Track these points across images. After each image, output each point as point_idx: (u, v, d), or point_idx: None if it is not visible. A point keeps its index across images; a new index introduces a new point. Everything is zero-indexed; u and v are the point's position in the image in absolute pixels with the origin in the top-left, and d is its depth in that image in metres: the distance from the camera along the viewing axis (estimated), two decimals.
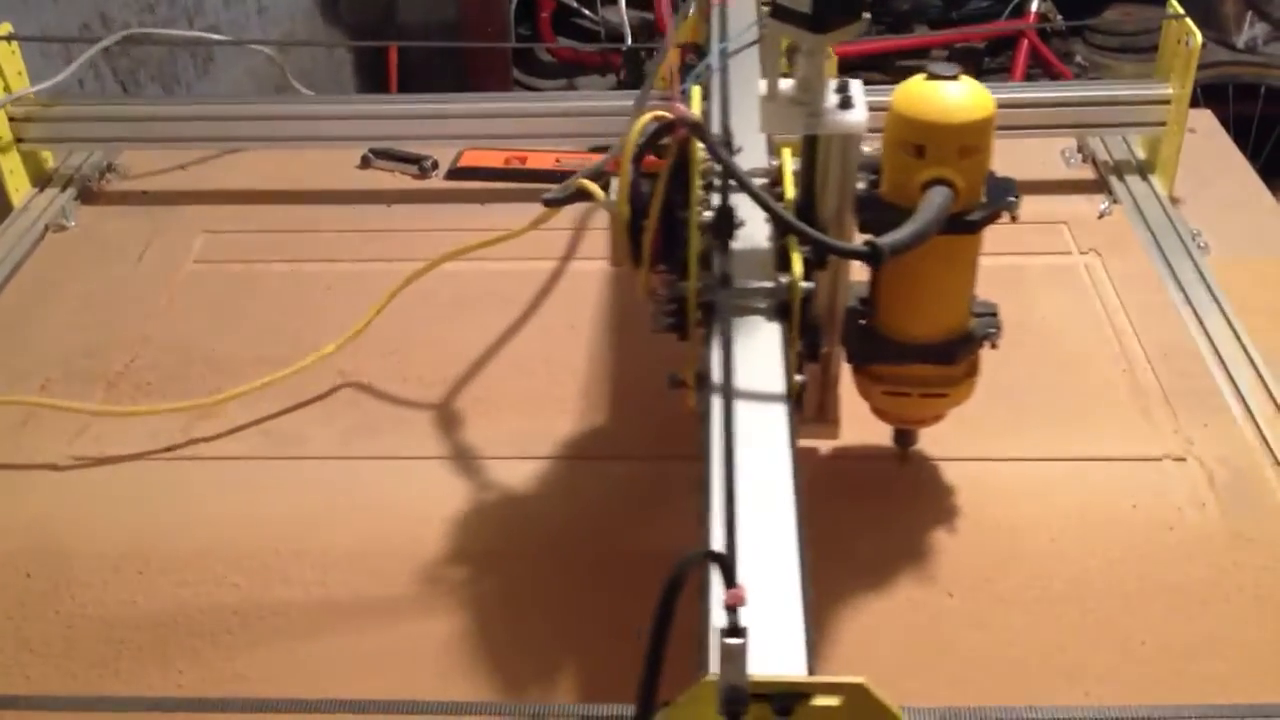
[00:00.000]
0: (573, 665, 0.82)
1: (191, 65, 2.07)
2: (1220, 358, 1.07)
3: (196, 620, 0.86)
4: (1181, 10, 1.25)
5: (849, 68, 2.42)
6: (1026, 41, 2.69)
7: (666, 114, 0.78)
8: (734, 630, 0.52)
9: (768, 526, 0.64)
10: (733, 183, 0.78)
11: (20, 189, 1.35)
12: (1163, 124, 1.28)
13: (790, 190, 0.83)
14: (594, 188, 0.86)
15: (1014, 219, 0.81)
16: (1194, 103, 1.27)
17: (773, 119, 0.79)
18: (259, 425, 1.03)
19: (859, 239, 0.79)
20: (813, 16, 0.74)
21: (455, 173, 1.40)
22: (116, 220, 1.33)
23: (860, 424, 0.92)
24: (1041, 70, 2.70)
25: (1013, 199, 0.81)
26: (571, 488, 0.97)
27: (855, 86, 0.79)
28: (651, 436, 1.01)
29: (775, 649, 0.56)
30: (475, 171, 1.39)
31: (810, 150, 0.82)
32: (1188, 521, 0.92)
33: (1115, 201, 1.28)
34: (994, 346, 0.86)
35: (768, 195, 0.74)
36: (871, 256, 0.72)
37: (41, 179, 1.38)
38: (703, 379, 0.77)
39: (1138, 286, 1.16)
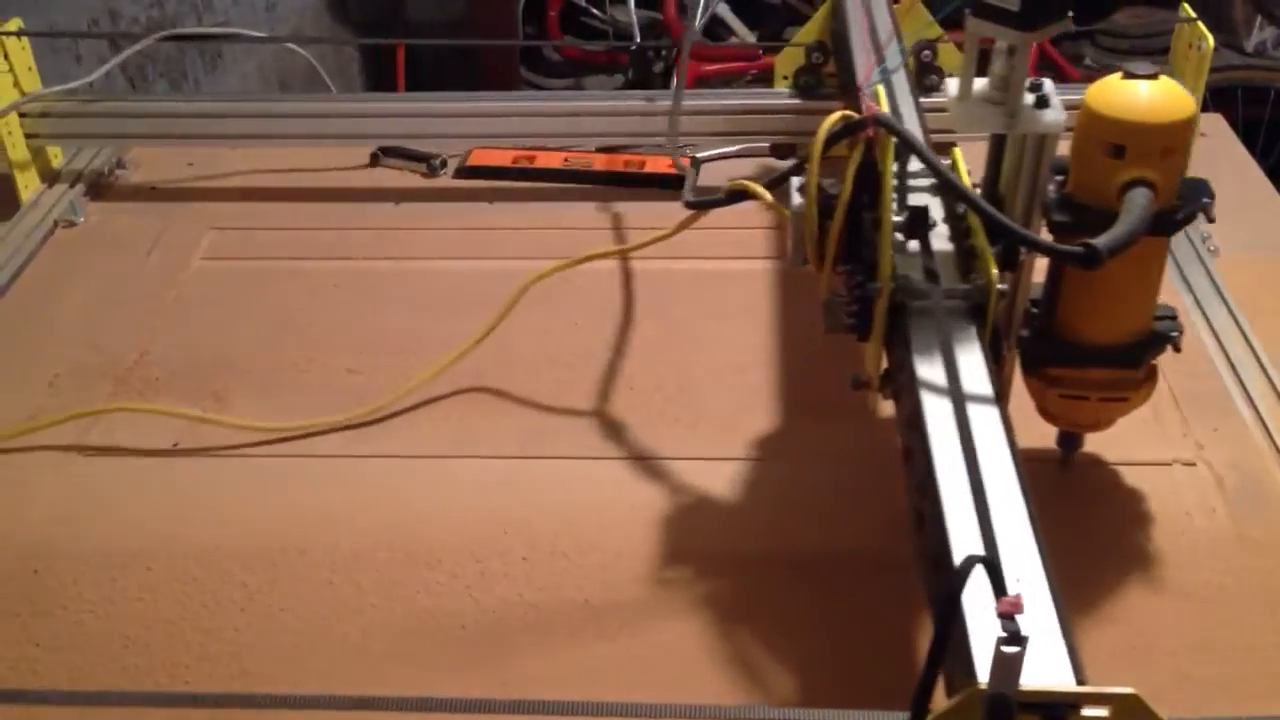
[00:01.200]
0: (579, 659, 0.83)
1: (200, 62, 2.07)
2: (1230, 361, 1.06)
3: (203, 618, 0.86)
4: (1194, 14, 1.24)
5: None
6: (1035, 44, 2.68)
7: (852, 113, 0.78)
8: (1012, 639, 0.51)
9: (1009, 531, 0.63)
10: (911, 182, 0.77)
11: (30, 185, 1.35)
12: None
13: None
14: (757, 188, 0.85)
15: (1210, 219, 0.81)
16: (1203, 106, 1.26)
17: (966, 118, 0.79)
18: (267, 423, 1.03)
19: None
20: (1021, 14, 0.74)
21: (463, 171, 1.40)
22: (125, 216, 1.34)
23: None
24: (1051, 73, 2.69)
25: (1208, 199, 0.80)
26: (597, 486, 0.97)
27: (1049, 85, 0.78)
28: (671, 435, 1.01)
29: (1039, 658, 0.55)
30: (483, 170, 1.39)
31: (998, 151, 0.81)
32: (1197, 526, 0.91)
33: None
34: (1177, 349, 0.85)
35: (978, 196, 0.74)
36: (1087, 258, 0.71)
37: (51, 175, 1.38)
38: (896, 379, 0.76)
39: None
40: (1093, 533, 0.91)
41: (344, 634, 0.85)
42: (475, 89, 1.42)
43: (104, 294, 1.21)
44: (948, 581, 0.53)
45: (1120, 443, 0.98)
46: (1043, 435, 0.92)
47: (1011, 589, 0.55)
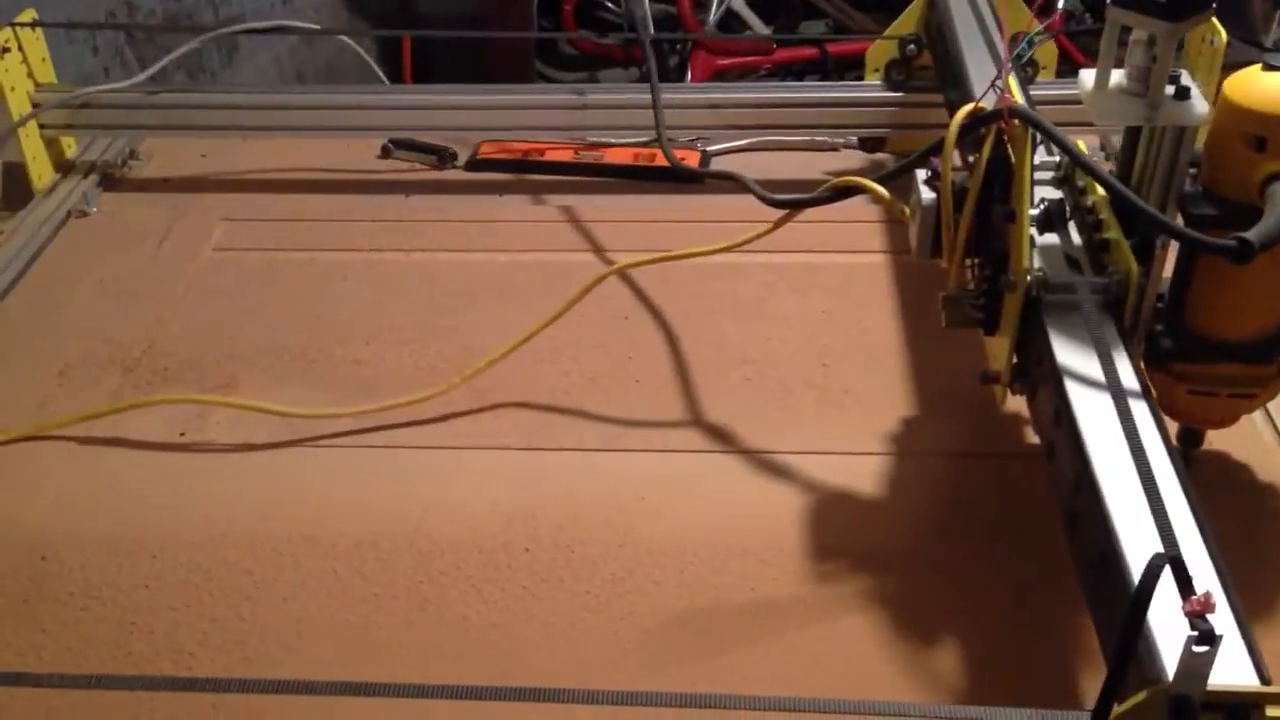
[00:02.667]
0: (580, 652, 0.83)
1: (217, 55, 2.08)
2: None
3: (208, 605, 0.87)
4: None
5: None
6: (1053, 40, 2.67)
7: (984, 106, 0.77)
8: (1204, 638, 0.50)
9: (1178, 530, 0.62)
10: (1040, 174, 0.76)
11: (43, 175, 1.36)
12: None
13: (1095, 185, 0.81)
14: (871, 184, 0.84)
15: None
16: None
17: (1105, 110, 0.78)
18: (274, 412, 1.03)
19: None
20: (1169, 4, 0.73)
21: (474, 164, 1.40)
22: (138, 207, 1.34)
23: None
24: (1067, 67, 2.68)
25: None
26: (609, 476, 0.97)
27: (1187, 76, 0.78)
28: (687, 429, 1.01)
29: (1220, 658, 0.53)
30: (494, 163, 1.40)
31: (1132, 143, 0.81)
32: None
33: None
34: None
35: (1125, 187, 0.74)
36: (1240, 252, 0.69)
37: (64, 165, 1.39)
38: (1026, 375, 0.75)
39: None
40: (1235, 529, 0.89)
41: (347, 622, 0.86)
42: (489, 83, 1.42)
43: (115, 284, 1.21)
44: (1139, 586, 0.51)
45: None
46: None
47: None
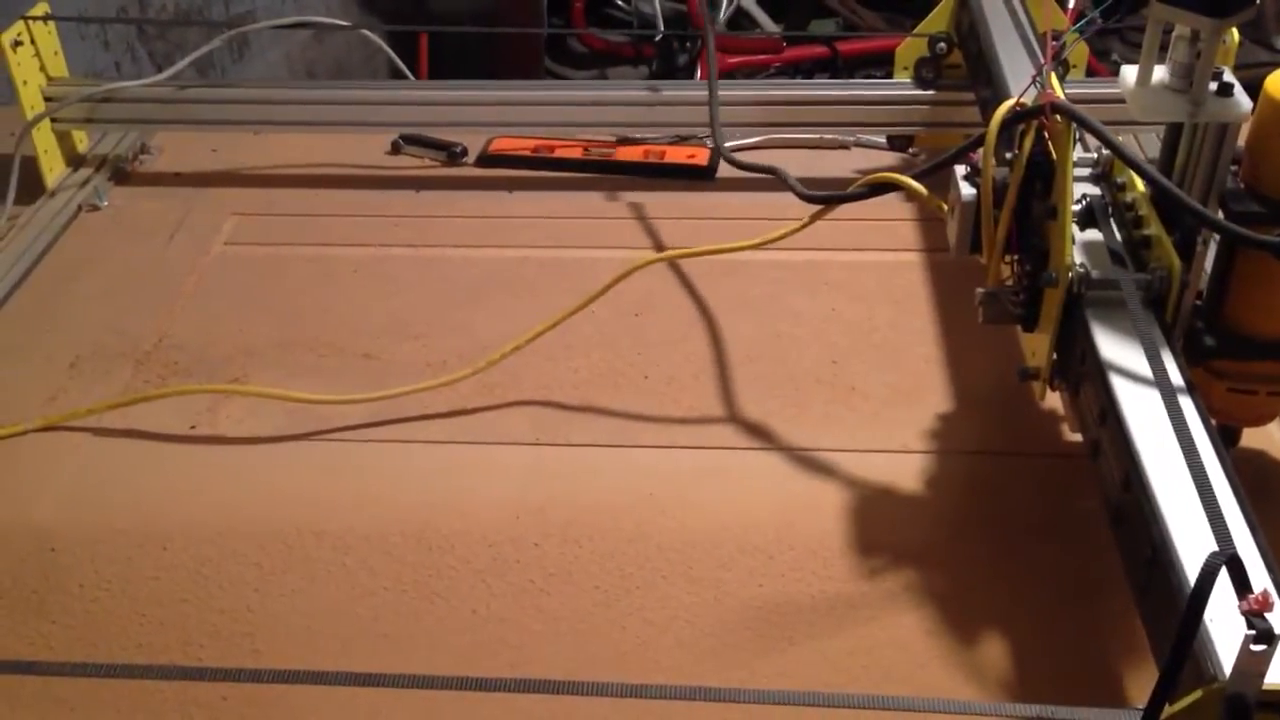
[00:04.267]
0: (582, 644, 0.83)
1: (228, 51, 2.09)
2: None
3: (217, 597, 0.87)
4: None
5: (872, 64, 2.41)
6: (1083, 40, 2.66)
7: (1025, 102, 0.77)
8: (1262, 637, 0.49)
9: (1232, 527, 0.62)
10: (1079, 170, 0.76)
11: (55, 168, 1.36)
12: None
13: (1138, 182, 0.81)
14: (908, 181, 0.84)
15: None
16: None
17: (1148, 106, 0.78)
18: (283, 405, 1.03)
19: None
20: (1214, 0, 0.73)
21: (484, 160, 1.40)
22: (149, 201, 1.35)
23: None
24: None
25: None
26: (619, 472, 0.97)
27: (1230, 73, 0.77)
28: (699, 423, 1.01)
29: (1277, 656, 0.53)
30: (504, 159, 1.40)
31: (1174, 140, 0.81)
32: None
33: None
34: None
35: (1170, 182, 0.74)
36: None
37: (76, 159, 1.39)
38: (1068, 372, 0.75)
39: None
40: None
41: (355, 616, 0.86)
42: (499, 80, 1.42)
43: (126, 278, 1.22)
44: (1195, 586, 0.50)
45: None
46: None
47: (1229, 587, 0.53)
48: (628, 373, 1.08)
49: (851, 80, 2.44)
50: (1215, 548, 0.58)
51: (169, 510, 0.94)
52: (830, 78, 2.62)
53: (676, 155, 1.38)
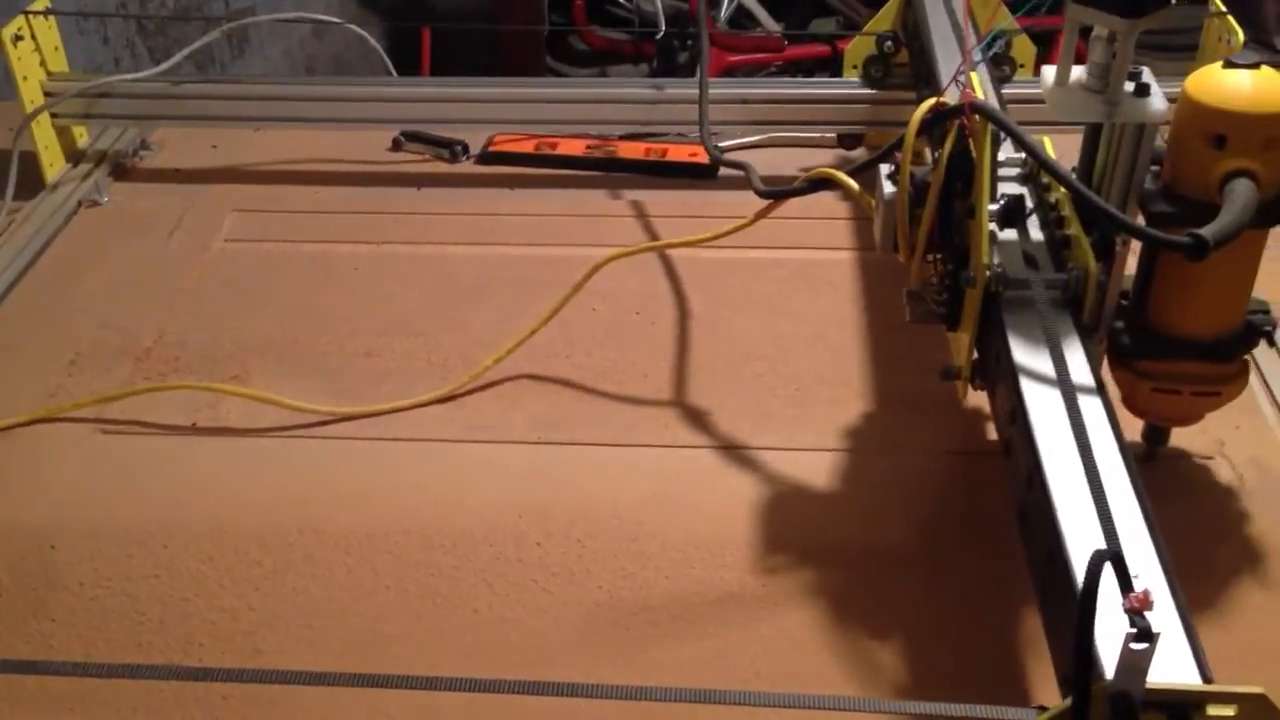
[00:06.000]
0: (590, 640, 0.83)
1: (227, 47, 2.08)
2: (1254, 359, 1.05)
3: (218, 595, 0.87)
4: (1224, 8, 1.23)
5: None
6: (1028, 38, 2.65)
7: (946, 101, 0.77)
8: (1142, 635, 0.50)
9: (1126, 527, 0.62)
10: (1004, 170, 0.77)
11: (55, 164, 1.36)
12: None
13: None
14: (842, 177, 0.84)
15: None
16: None
17: (1065, 106, 0.78)
18: (285, 403, 1.03)
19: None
20: (1127, 1, 0.73)
21: (485, 157, 1.40)
22: (149, 197, 1.34)
23: None
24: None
25: None
26: (619, 471, 0.97)
27: (1148, 74, 0.77)
28: (703, 424, 1.01)
29: (1162, 656, 0.53)
30: (505, 156, 1.39)
31: (1094, 140, 0.81)
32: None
33: None
34: (1271, 343, 0.84)
35: (1080, 183, 0.73)
36: (1195, 249, 0.69)
37: (76, 155, 1.39)
38: (986, 371, 0.75)
39: None
40: (1192, 527, 0.90)
41: (357, 615, 0.86)
42: (500, 78, 1.42)
43: (125, 274, 1.21)
44: (1085, 582, 0.51)
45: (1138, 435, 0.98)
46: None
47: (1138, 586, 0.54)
48: (629, 371, 1.07)
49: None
50: (1105, 547, 0.58)
51: (170, 508, 0.94)
52: (831, 75, 2.62)
53: (678, 153, 1.38)
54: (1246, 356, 0.85)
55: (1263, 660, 0.80)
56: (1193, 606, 0.80)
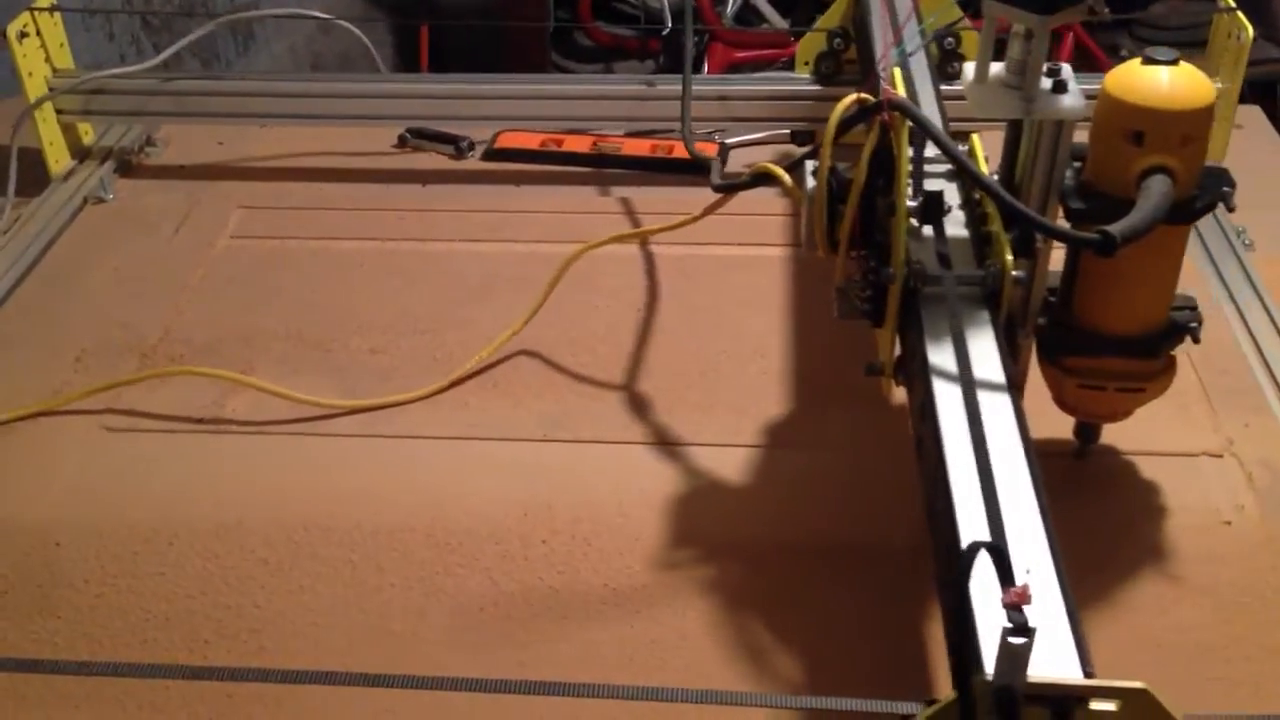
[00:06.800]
0: (602, 638, 0.82)
1: (233, 43, 2.08)
2: (1263, 357, 1.05)
3: (223, 593, 0.87)
4: (1234, 3, 1.23)
5: None
6: (1071, 34, 2.65)
7: (868, 97, 0.77)
8: (1019, 629, 0.50)
9: (1019, 522, 0.62)
10: (927, 167, 0.77)
11: (60, 160, 1.36)
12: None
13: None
14: (779, 171, 0.85)
15: (1230, 209, 0.79)
16: (1241, 98, 1.24)
17: (982, 102, 0.77)
18: (289, 401, 1.03)
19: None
20: None
21: (491, 154, 1.40)
22: (154, 194, 1.34)
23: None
24: (1086, 63, 2.66)
25: (1228, 189, 0.79)
26: (623, 470, 0.97)
27: (1067, 71, 0.77)
28: (701, 420, 1.00)
29: (1046, 650, 0.54)
30: (511, 153, 1.39)
31: (1015, 136, 0.80)
32: (1222, 521, 0.90)
33: None
34: (1196, 340, 0.83)
35: (993, 180, 0.73)
36: (1102, 245, 0.69)
37: (81, 151, 1.39)
38: (909, 367, 0.76)
39: (1180, 283, 1.14)
40: (1110, 525, 0.90)
41: (363, 613, 0.85)
42: (505, 74, 1.41)
43: (131, 271, 1.21)
44: (958, 570, 0.52)
45: (1148, 434, 0.97)
46: (1062, 424, 0.91)
47: (1020, 580, 0.54)
48: (632, 368, 1.07)
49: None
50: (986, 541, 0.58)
51: (175, 505, 0.94)
52: None
53: (685, 150, 1.37)
54: (1174, 353, 0.85)
55: (1163, 656, 0.81)
56: (1093, 601, 0.83)
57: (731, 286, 1.16)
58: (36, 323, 1.14)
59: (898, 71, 0.87)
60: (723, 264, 1.18)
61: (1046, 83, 0.76)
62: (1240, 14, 1.21)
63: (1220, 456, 0.95)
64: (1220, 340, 1.07)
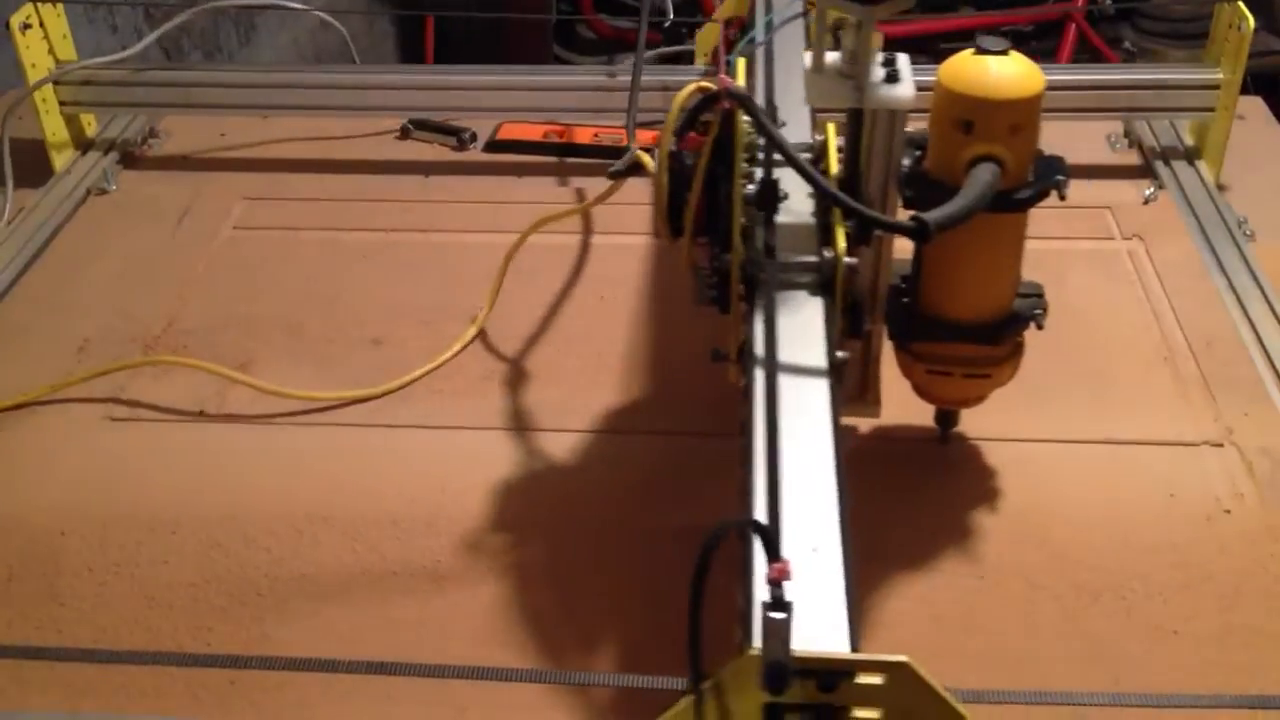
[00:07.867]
0: (613, 636, 0.83)
1: (235, 33, 2.08)
2: (1264, 346, 1.05)
3: (226, 581, 0.87)
4: None
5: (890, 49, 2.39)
6: (1074, 25, 2.65)
7: (711, 86, 0.78)
8: (778, 605, 0.51)
9: (810, 502, 0.63)
10: (777, 156, 0.77)
11: (63, 152, 1.36)
12: (1211, 109, 1.26)
13: (835, 166, 0.82)
14: (647, 159, 0.86)
15: (1063, 197, 0.80)
16: (1243, 89, 1.25)
17: (818, 92, 0.78)
18: (293, 391, 1.03)
19: (903, 215, 0.78)
20: None
21: (493, 145, 1.40)
22: (157, 185, 1.34)
23: (902, 404, 0.91)
24: (1088, 55, 2.66)
25: (1061, 178, 0.79)
26: (614, 460, 0.97)
27: (902, 60, 0.78)
28: (696, 411, 1.01)
29: (818, 625, 0.55)
30: (513, 144, 1.39)
31: (856, 125, 0.81)
32: (1225, 511, 0.90)
33: (1160, 187, 1.26)
34: (1040, 327, 0.85)
35: (812, 168, 0.74)
36: (917, 232, 0.70)
37: (84, 143, 1.39)
38: (745, 353, 0.77)
39: (1181, 273, 1.14)
40: (1118, 513, 0.90)
41: (365, 600, 0.86)
42: (507, 65, 1.41)
43: (134, 262, 1.21)
44: (704, 543, 0.53)
45: (1150, 426, 0.98)
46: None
47: (804, 558, 0.56)
48: (631, 360, 1.07)
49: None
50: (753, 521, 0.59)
51: (178, 494, 0.94)
52: None
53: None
54: (1019, 339, 0.86)
55: (1164, 642, 0.81)
56: (1101, 595, 0.83)
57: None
58: (40, 313, 1.15)
59: (742, 62, 0.87)
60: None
61: (880, 72, 0.77)
62: (1242, 5, 1.21)
63: (1221, 445, 0.95)
64: (1220, 330, 1.07)
